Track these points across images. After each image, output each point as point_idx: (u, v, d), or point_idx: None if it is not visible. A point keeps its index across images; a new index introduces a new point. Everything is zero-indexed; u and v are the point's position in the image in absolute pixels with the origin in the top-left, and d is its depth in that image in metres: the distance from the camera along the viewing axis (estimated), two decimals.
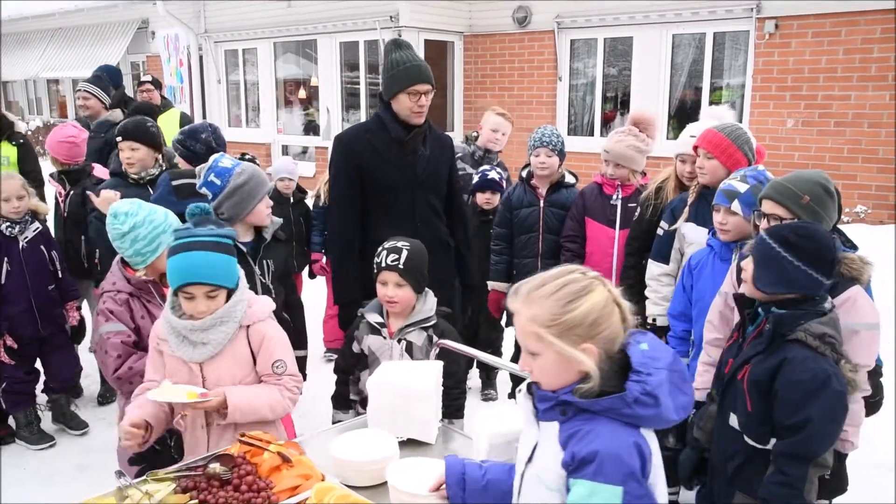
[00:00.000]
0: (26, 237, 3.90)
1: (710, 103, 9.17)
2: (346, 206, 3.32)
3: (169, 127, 5.66)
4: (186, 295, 2.27)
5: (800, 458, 2.14)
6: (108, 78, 6.15)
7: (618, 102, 10.28)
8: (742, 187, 2.77)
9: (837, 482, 2.50)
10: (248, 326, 2.38)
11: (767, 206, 2.54)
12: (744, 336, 2.37)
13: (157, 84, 7.36)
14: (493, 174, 4.42)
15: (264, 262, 3.10)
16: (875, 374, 2.71)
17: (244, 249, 3.02)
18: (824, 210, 2.47)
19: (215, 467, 1.97)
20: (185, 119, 6.56)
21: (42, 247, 3.96)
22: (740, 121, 8.77)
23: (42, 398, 4.24)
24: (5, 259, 3.84)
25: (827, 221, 2.49)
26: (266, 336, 2.40)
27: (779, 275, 2.22)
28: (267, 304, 2.48)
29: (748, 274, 2.29)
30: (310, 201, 5.55)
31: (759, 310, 2.32)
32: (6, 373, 4.00)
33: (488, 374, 4.82)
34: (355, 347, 2.83)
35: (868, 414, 2.72)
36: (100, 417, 4.29)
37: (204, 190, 3.10)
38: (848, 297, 2.41)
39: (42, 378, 4.18)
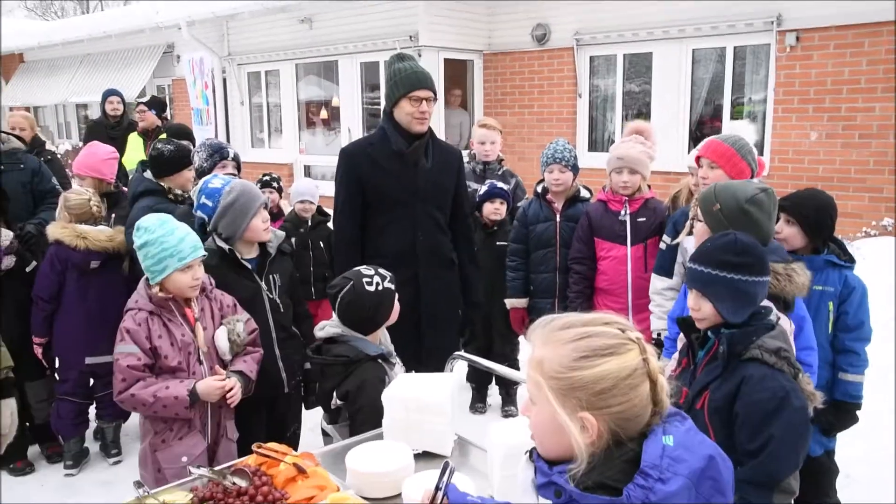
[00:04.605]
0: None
1: (732, 118, 9.12)
2: (350, 213, 3.33)
3: None
4: None
5: (763, 485, 2.02)
6: None
7: (638, 118, 10.26)
8: None
9: None
10: None
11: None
12: (695, 362, 2.25)
13: (155, 105, 7.72)
14: (500, 183, 4.47)
15: (270, 276, 3.11)
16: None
17: (249, 266, 3.04)
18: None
19: (233, 480, 1.98)
20: None
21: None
22: (763, 134, 8.72)
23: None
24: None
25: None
26: None
27: (742, 298, 2.12)
28: None
29: (706, 309, 2.16)
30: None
31: (710, 333, 2.20)
32: (59, 389, 4.02)
33: (507, 389, 4.79)
34: None
35: (832, 433, 2.86)
36: (123, 433, 4.33)
37: (199, 213, 3.11)
38: None
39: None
